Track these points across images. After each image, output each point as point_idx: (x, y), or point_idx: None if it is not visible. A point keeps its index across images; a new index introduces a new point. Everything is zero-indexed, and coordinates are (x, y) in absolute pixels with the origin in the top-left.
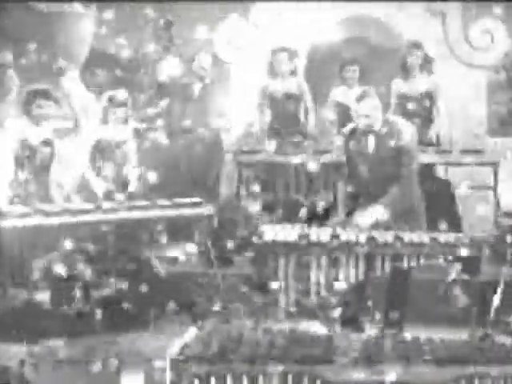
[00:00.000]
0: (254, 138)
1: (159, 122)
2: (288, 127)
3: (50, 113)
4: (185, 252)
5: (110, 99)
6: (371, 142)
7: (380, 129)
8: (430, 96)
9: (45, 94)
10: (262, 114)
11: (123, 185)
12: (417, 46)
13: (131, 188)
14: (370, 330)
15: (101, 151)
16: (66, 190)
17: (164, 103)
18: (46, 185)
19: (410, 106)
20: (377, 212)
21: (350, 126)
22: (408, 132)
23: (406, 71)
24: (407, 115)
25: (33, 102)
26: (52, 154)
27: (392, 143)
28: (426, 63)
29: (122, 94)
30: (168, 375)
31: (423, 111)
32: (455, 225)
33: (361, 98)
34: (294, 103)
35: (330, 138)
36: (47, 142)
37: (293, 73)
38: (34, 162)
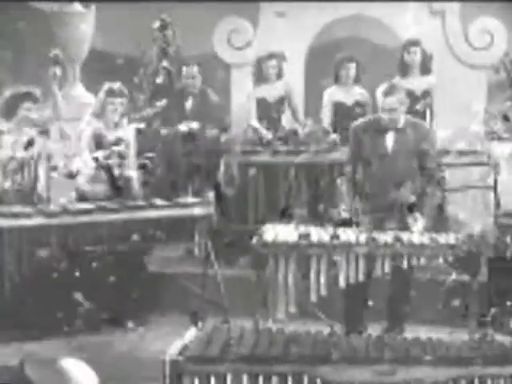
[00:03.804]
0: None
1: (157, 123)
2: (276, 132)
3: (34, 116)
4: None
5: (108, 90)
6: (390, 139)
7: (402, 127)
8: (428, 95)
9: (30, 97)
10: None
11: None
12: (413, 43)
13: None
14: (371, 330)
15: (97, 147)
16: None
17: (161, 104)
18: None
19: (412, 104)
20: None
21: (363, 120)
22: (432, 134)
23: (403, 70)
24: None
25: (19, 104)
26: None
27: (415, 144)
28: (424, 61)
29: (119, 85)
30: (168, 375)
31: (422, 110)
32: (442, 225)
33: (389, 92)
34: (282, 106)
35: (327, 139)
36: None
37: (279, 76)
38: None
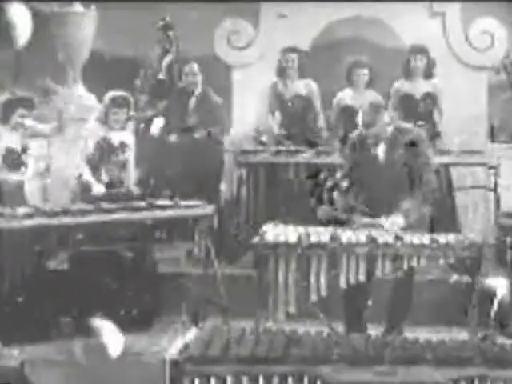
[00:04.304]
0: (265, 138)
1: (158, 123)
2: (296, 130)
3: (30, 123)
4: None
5: (113, 99)
6: (381, 150)
7: (391, 136)
8: (431, 98)
9: (26, 103)
10: (272, 114)
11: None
12: (420, 50)
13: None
14: (372, 331)
15: (100, 152)
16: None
17: (162, 104)
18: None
19: (412, 107)
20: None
21: (356, 132)
22: (423, 138)
23: (408, 74)
24: (409, 117)
25: (14, 110)
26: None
27: (406, 151)
28: (429, 65)
29: (124, 95)
30: (168, 375)
31: (425, 113)
32: (453, 226)
33: (370, 124)
34: (303, 105)
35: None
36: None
37: (302, 74)
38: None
